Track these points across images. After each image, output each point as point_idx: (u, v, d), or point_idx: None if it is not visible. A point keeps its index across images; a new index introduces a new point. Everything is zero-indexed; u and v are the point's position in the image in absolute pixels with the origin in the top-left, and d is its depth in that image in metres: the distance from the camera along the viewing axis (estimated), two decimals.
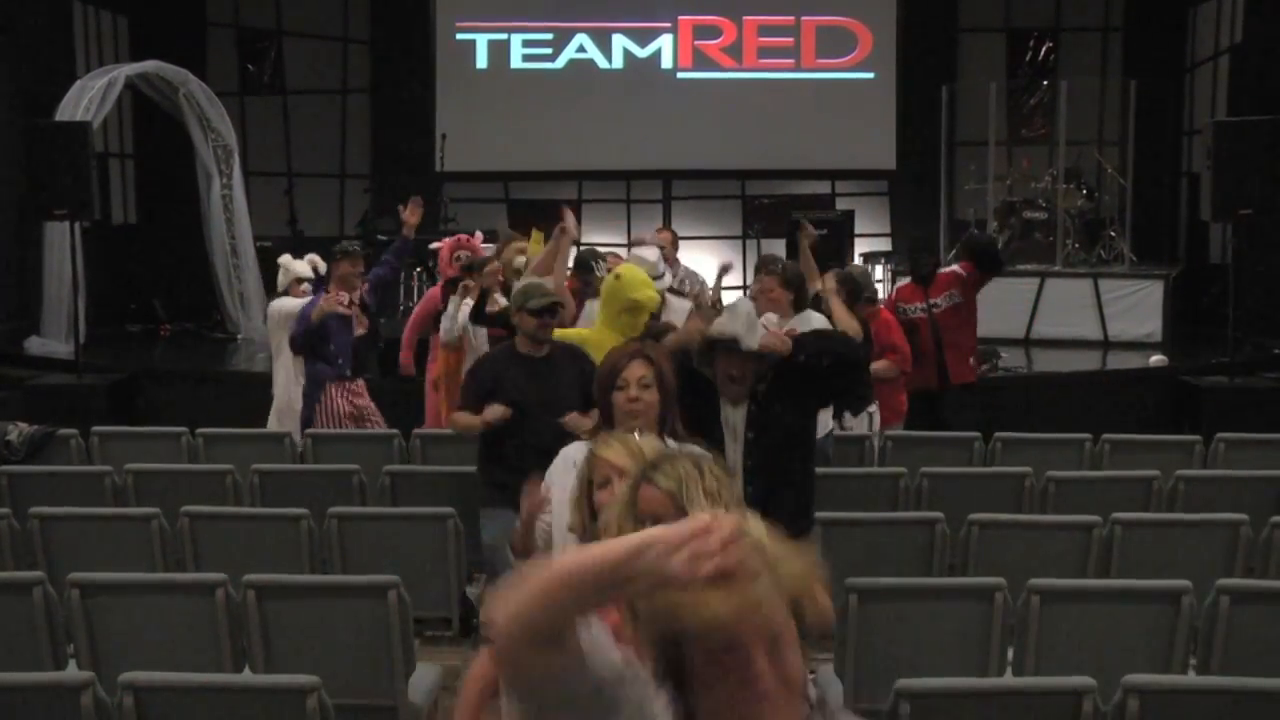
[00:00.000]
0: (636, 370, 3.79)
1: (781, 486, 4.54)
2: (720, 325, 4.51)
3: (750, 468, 4.50)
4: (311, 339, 7.21)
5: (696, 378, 4.53)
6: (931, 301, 7.98)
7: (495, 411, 5.35)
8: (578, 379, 5.33)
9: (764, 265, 6.87)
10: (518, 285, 5.87)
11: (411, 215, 7.88)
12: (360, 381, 7.49)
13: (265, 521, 5.39)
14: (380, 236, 12.54)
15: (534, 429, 5.18)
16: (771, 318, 5.82)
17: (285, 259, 8.18)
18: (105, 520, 5.42)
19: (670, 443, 3.65)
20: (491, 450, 5.47)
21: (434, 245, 7.80)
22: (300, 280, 7.92)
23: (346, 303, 7.26)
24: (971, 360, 8.10)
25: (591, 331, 6.14)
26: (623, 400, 3.78)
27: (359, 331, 7.42)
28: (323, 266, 7.86)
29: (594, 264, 7.30)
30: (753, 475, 4.49)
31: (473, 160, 14.31)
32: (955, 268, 8.26)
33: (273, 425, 7.72)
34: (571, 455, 3.69)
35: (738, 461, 4.48)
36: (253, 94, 14.94)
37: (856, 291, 7.34)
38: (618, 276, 5.99)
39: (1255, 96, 11.67)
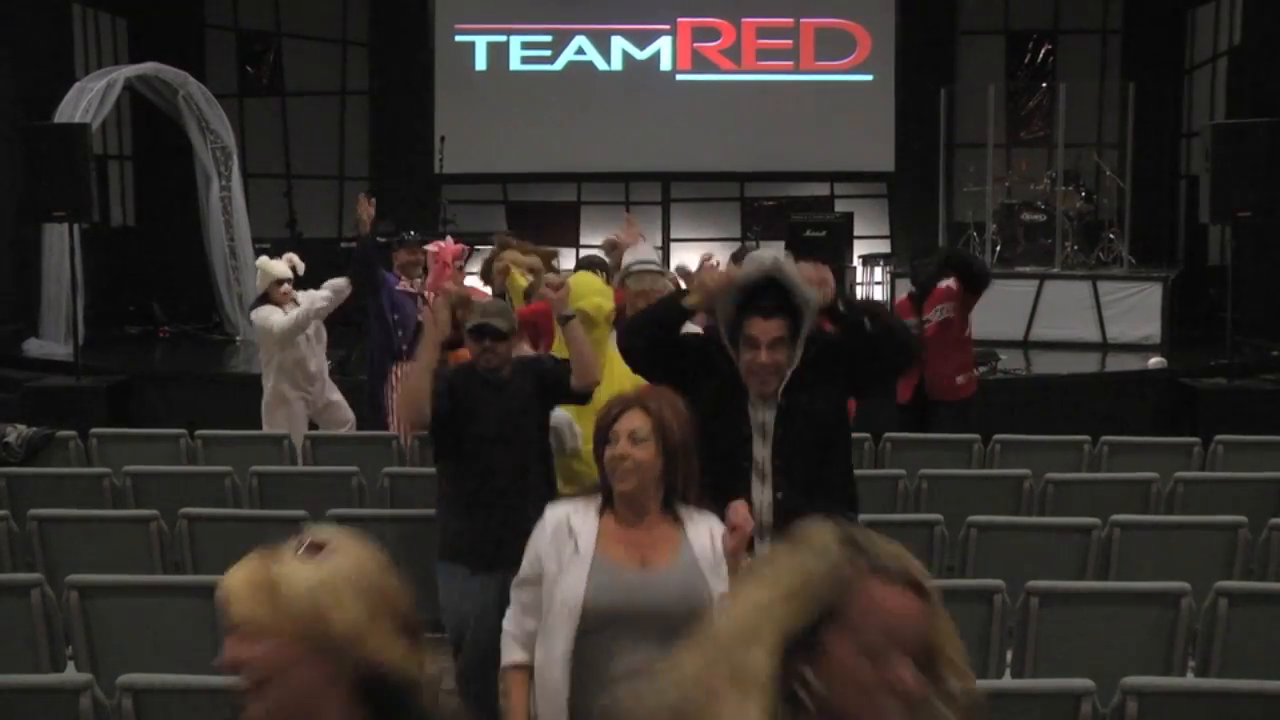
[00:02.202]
0: (630, 421, 3.17)
1: (816, 493, 3.83)
2: (747, 266, 3.90)
3: (779, 468, 3.88)
4: (368, 271, 7.49)
5: (718, 360, 3.92)
6: (925, 317, 7.65)
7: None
8: (535, 392, 4.77)
9: (740, 258, 6.61)
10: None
11: (362, 209, 7.68)
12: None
13: (264, 524, 5.37)
14: (379, 238, 12.54)
15: (492, 467, 4.63)
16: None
17: (263, 260, 7.95)
18: (104, 522, 5.41)
19: (683, 513, 3.19)
20: (448, 487, 4.76)
21: (431, 248, 7.74)
22: (280, 282, 7.80)
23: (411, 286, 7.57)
24: (960, 379, 7.66)
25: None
26: (611, 457, 3.18)
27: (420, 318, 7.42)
28: (301, 266, 7.81)
29: (595, 272, 6.70)
30: (782, 479, 3.88)
31: (472, 162, 14.32)
32: (949, 282, 7.82)
33: (265, 421, 7.79)
34: (562, 519, 3.22)
35: (766, 464, 3.88)
36: (251, 96, 14.96)
37: None
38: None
39: (1254, 99, 11.68)
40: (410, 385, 4.81)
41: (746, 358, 3.83)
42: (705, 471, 3.31)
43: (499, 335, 4.67)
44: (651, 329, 4.03)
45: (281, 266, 7.77)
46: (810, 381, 3.89)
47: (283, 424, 7.62)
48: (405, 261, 7.69)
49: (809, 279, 3.81)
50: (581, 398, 4.84)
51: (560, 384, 4.80)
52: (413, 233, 8.21)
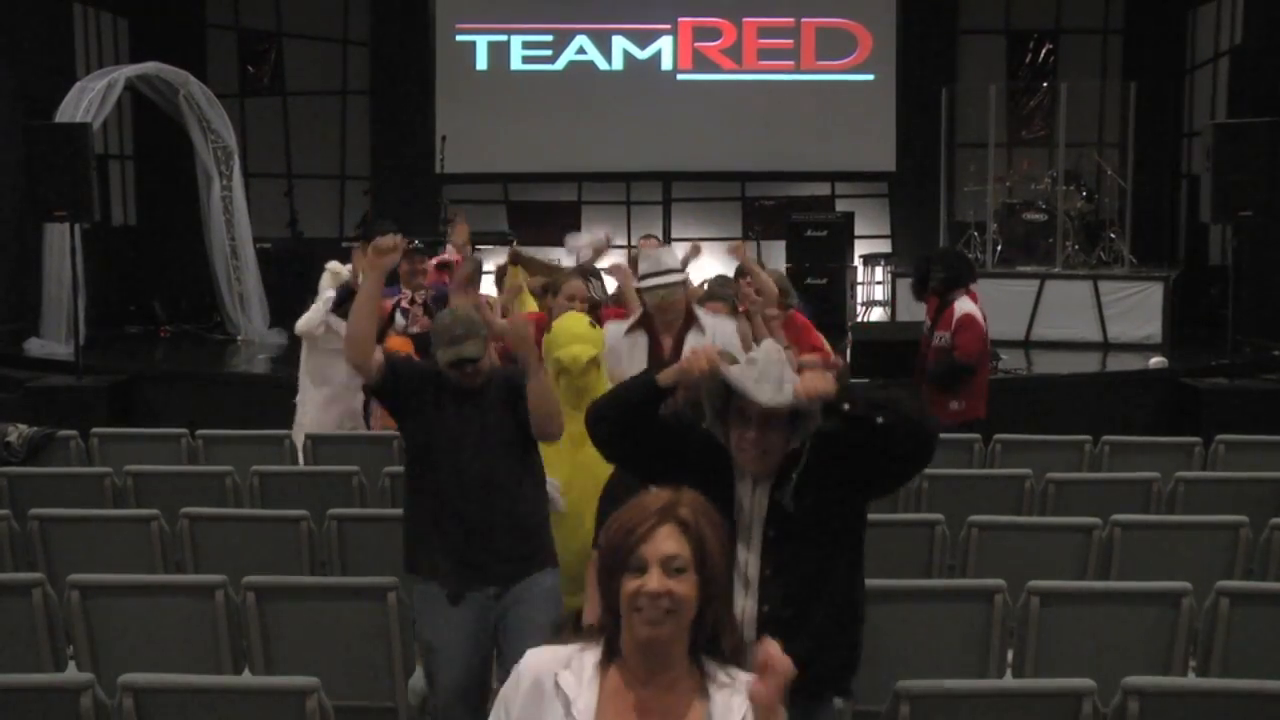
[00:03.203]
0: (663, 544, 2.35)
1: (812, 607, 3.23)
2: (740, 374, 3.20)
3: (769, 578, 3.21)
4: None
5: (702, 435, 3.31)
6: (937, 334, 7.52)
7: (385, 242, 4.48)
8: (510, 405, 4.27)
9: (714, 292, 6.14)
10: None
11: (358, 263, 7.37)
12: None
13: (265, 523, 5.38)
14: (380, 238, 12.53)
15: (462, 478, 4.20)
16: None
17: (334, 265, 7.84)
18: (105, 522, 5.42)
19: (711, 670, 2.39)
20: (412, 500, 4.37)
21: (449, 256, 7.68)
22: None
23: (409, 299, 7.44)
24: (954, 405, 7.44)
25: None
26: (637, 593, 2.32)
27: (414, 329, 7.38)
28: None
29: (587, 284, 6.17)
30: (771, 590, 3.19)
31: (472, 162, 14.32)
32: (964, 312, 7.48)
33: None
34: (545, 675, 2.41)
35: (753, 569, 3.22)
36: (253, 95, 14.96)
37: (788, 301, 6.63)
38: (548, 329, 5.01)
39: (1255, 98, 11.67)
40: (350, 329, 4.37)
41: (736, 434, 3.24)
42: None
43: (474, 361, 4.22)
44: (620, 412, 3.36)
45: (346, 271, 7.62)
46: (817, 473, 3.22)
47: (310, 426, 7.48)
48: (407, 271, 7.45)
49: (815, 391, 3.13)
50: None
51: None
52: (416, 241, 8.09)
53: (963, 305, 7.47)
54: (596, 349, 4.85)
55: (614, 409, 3.38)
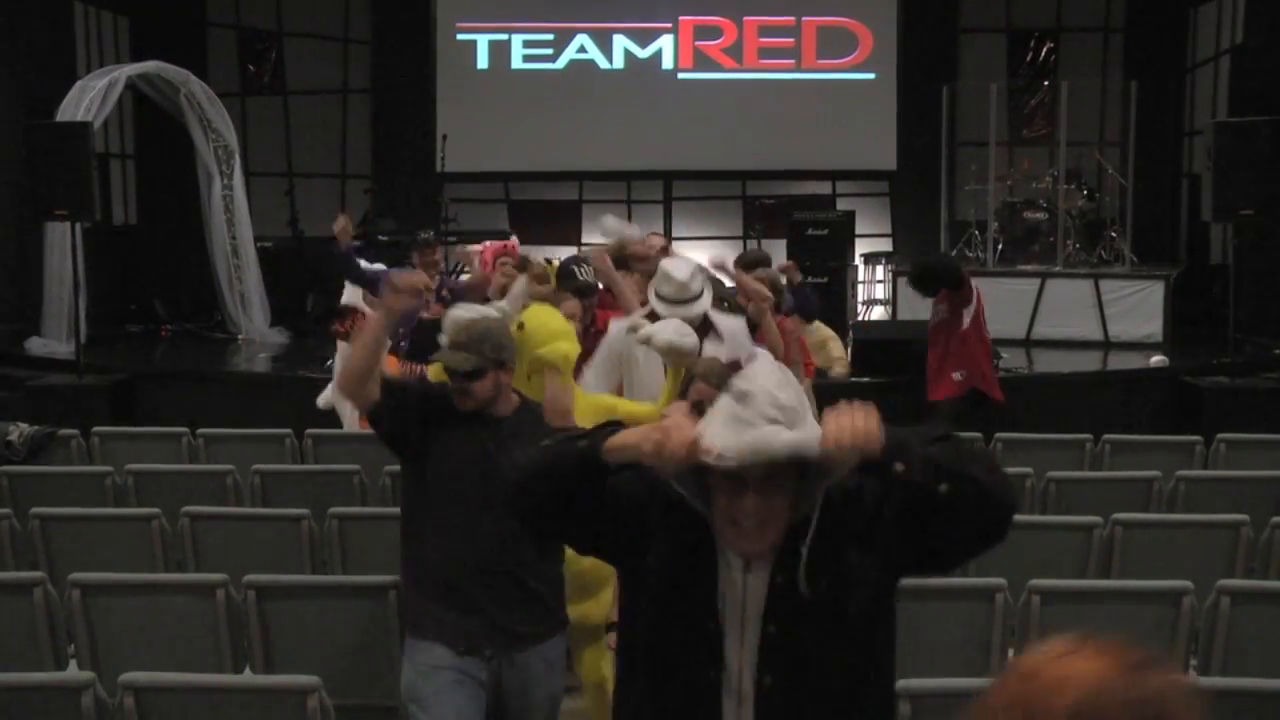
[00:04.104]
0: None
1: None
2: (716, 460, 2.26)
3: (770, 690, 2.37)
4: (350, 272, 7.44)
5: (670, 510, 2.41)
6: (937, 308, 7.94)
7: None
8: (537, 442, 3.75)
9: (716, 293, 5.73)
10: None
11: (340, 228, 7.67)
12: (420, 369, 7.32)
13: (266, 522, 5.39)
14: (381, 237, 12.56)
15: (465, 533, 3.67)
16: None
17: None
18: (106, 520, 5.42)
19: None
20: (407, 550, 3.86)
21: (474, 248, 7.69)
22: None
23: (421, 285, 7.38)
24: (957, 375, 7.83)
25: None
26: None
27: (425, 314, 7.35)
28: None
29: (577, 270, 5.79)
30: (773, 705, 2.37)
31: (473, 161, 14.32)
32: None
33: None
34: None
35: (747, 679, 2.38)
36: (253, 94, 14.96)
37: (781, 301, 6.54)
38: (521, 326, 4.44)
39: (1256, 97, 11.67)
40: (346, 366, 3.91)
41: (723, 501, 2.33)
42: (650, 690, 2.38)
43: (467, 375, 3.69)
44: (550, 486, 2.43)
45: None
46: (831, 547, 2.35)
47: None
48: (420, 264, 7.47)
49: (841, 437, 2.21)
50: None
51: None
52: (432, 233, 8.09)
53: None
54: (575, 345, 4.61)
55: (541, 481, 2.44)
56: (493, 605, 3.66)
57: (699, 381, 4.05)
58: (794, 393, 2.31)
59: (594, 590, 4.41)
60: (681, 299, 5.02)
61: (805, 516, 2.33)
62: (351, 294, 7.81)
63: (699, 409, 3.73)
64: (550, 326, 4.51)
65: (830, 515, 2.34)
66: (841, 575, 2.35)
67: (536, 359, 4.37)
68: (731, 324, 5.29)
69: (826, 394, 8.04)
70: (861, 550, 2.36)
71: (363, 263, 7.61)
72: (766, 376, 2.33)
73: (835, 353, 8.21)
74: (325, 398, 7.81)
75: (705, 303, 5.10)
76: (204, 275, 12.43)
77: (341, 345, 7.62)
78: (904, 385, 8.61)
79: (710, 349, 4.95)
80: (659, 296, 5.10)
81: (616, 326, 5.18)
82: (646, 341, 4.61)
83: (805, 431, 2.25)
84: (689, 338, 4.63)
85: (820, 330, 8.28)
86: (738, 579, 2.39)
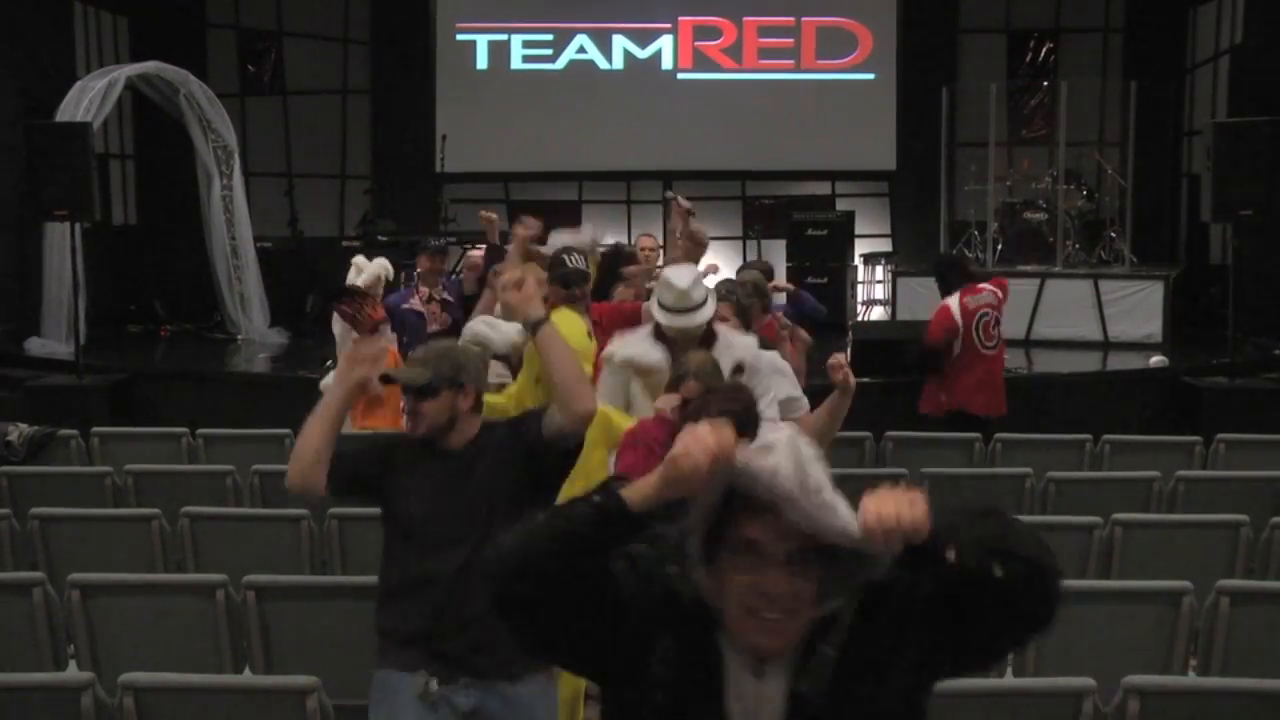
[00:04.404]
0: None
1: None
2: (758, 472, 1.88)
3: None
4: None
5: (670, 597, 1.98)
6: (989, 344, 8.04)
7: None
8: (511, 461, 3.39)
9: (719, 293, 5.38)
10: None
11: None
12: None
13: (265, 522, 5.39)
14: (380, 237, 12.55)
15: (426, 579, 3.36)
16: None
17: (359, 260, 7.37)
18: (105, 521, 5.42)
19: None
20: (382, 583, 3.54)
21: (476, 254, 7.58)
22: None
23: (425, 298, 7.38)
24: (943, 396, 7.88)
25: (505, 399, 4.61)
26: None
27: (434, 327, 7.34)
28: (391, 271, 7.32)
29: (566, 258, 5.36)
30: None
31: (473, 161, 14.32)
32: (944, 303, 8.01)
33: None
34: None
35: None
36: (253, 95, 14.95)
37: (766, 303, 6.41)
38: None
39: (1255, 97, 11.67)
40: (301, 446, 3.51)
41: (740, 580, 1.93)
42: None
43: (418, 392, 3.42)
44: (558, 563, 1.91)
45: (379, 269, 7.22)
46: (864, 644, 2.00)
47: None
48: (427, 269, 7.45)
49: (887, 523, 1.88)
50: (568, 450, 3.41)
51: (538, 436, 3.36)
52: (442, 240, 8.03)
53: (946, 301, 8.03)
54: (589, 360, 4.29)
55: (545, 557, 1.90)
56: (465, 633, 3.32)
57: (690, 379, 3.96)
58: (815, 465, 1.93)
59: None
60: (683, 307, 4.80)
61: (829, 614, 1.95)
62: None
63: (689, 405, 3.74)
64: (569, 326, 4.23)
65: (856, 611, 1.98)
66: (872, 682, 1.99)
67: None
68: (741, 343, 4.97)
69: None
70: (894, 652, 2.00)
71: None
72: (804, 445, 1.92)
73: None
74: (328, 383, 7.54)
75: (708, 311, 4.87)
76: (204, 275, 12.42)
77: (339, 328, 7.23)
78: (903, 386, 8.61)
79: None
80: (660, 305, 4.87)
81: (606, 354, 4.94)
82: (609, 360, 4.61)
83: (845, 515, 1.90)
84: (651, 355, 4.55)
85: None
86: (748, 688, 1.97)
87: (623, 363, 4.60)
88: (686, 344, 4.74)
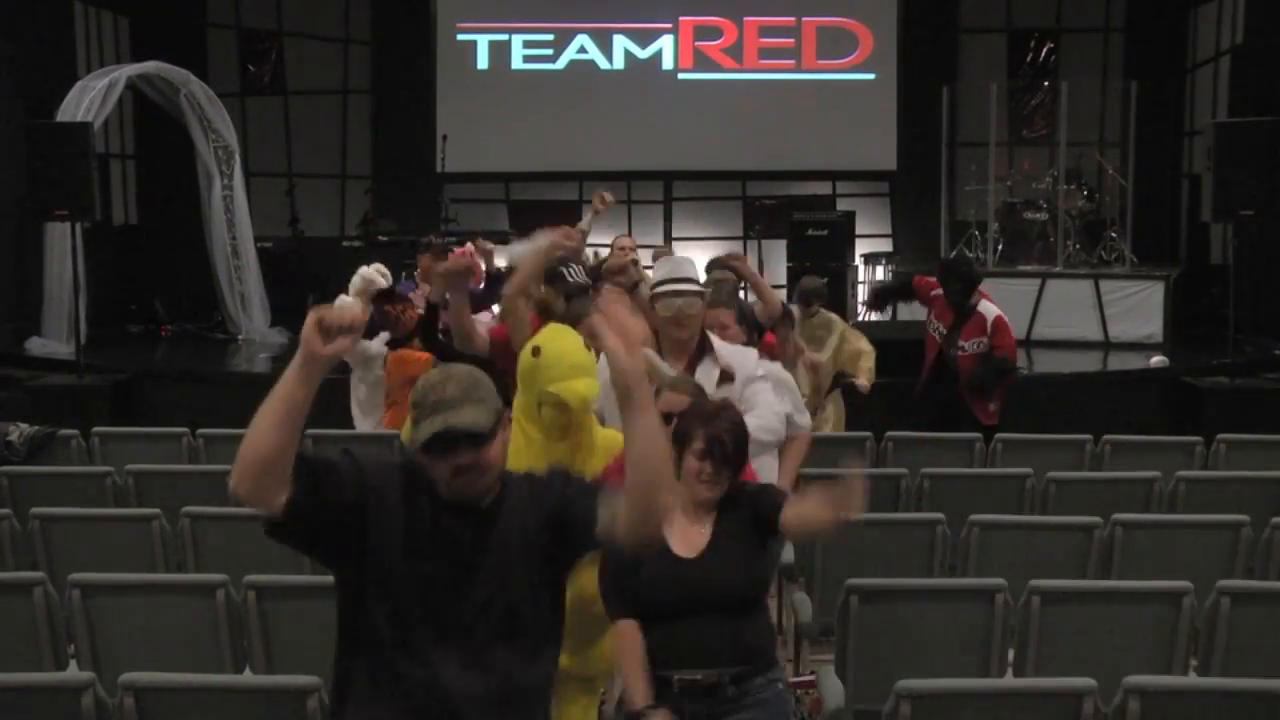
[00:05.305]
0: None
1: None
2: None
3: None
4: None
5: None
6: (960, 344, 7.71)
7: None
8: (540, 529, 2.68)
9: (717, 299, 5.29)
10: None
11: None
12: None
13: None
14: (381, 237, 12.57)
15: (438, 673, 2.61)
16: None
17: (366, 271, 7.10)
18: (106, 521, 5.41)
19: None
20: (348, 677, 2.72)
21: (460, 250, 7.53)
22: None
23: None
24: (992, 407, 7.73)
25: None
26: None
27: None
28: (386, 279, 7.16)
29: (566, 272, 5.22)
30: None
31: (473, 161, 14.32)
32: (995, 312, 7.78)
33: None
34: None
35: None
36: (254, 95, 14.96)
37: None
38: (536, 351, 3.79)
39: (1256, 97, 11.67)
40: (253, 439, 2.50)
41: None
42: None
43: (477, 438, 2.60)
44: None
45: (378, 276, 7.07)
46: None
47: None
48: (426, 267, 7.27)
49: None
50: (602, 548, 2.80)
51: (582, 522, 2.67)
52: (448, 239, 7.96)
53: (989, 309, 7.73)
54: (595, 384, 3.79)
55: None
56: None
57: (667, 392, 3.85)
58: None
59: (596, 637, 3.80)
60: (679, 276, 4.64)
61: None
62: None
63: (667, 420, 3.66)
64: (571, 359, 3.75)
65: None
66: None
67: (548, 394, 3.73)
68: (739, 355, 4.73)
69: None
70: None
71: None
72: None
73: (865, 364, 8.17)
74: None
75: (701, 290, 4.71)
76: (204, 275, 12.43)
77: (373, 343, 6.89)
78: (903, 386, 8.61)
79: (703, 373, 4.51)
80: (656, 283, 4.72)
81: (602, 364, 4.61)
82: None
83: None
84: (665, 364, 4.31)
85: (858, 341, 8.24)
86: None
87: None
88: (680, 341, 4.54)
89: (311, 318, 2.49)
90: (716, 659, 3.39)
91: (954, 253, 12.76)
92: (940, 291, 7.87)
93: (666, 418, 3.60)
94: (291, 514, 2.52)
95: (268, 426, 2.49)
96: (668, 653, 3.40)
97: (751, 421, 4.02)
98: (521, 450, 3.78)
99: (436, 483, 2.63)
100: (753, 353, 4.88)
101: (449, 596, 2.62)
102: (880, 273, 14.01)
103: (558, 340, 3.84)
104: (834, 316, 7.93)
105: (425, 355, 6.31)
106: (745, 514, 3.54)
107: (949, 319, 7.81)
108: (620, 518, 2.59)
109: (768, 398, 4.59)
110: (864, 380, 8.02)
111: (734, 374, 4.51)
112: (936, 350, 7.90)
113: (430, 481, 2.64)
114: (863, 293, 13.99)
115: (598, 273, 6.34)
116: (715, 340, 4.73)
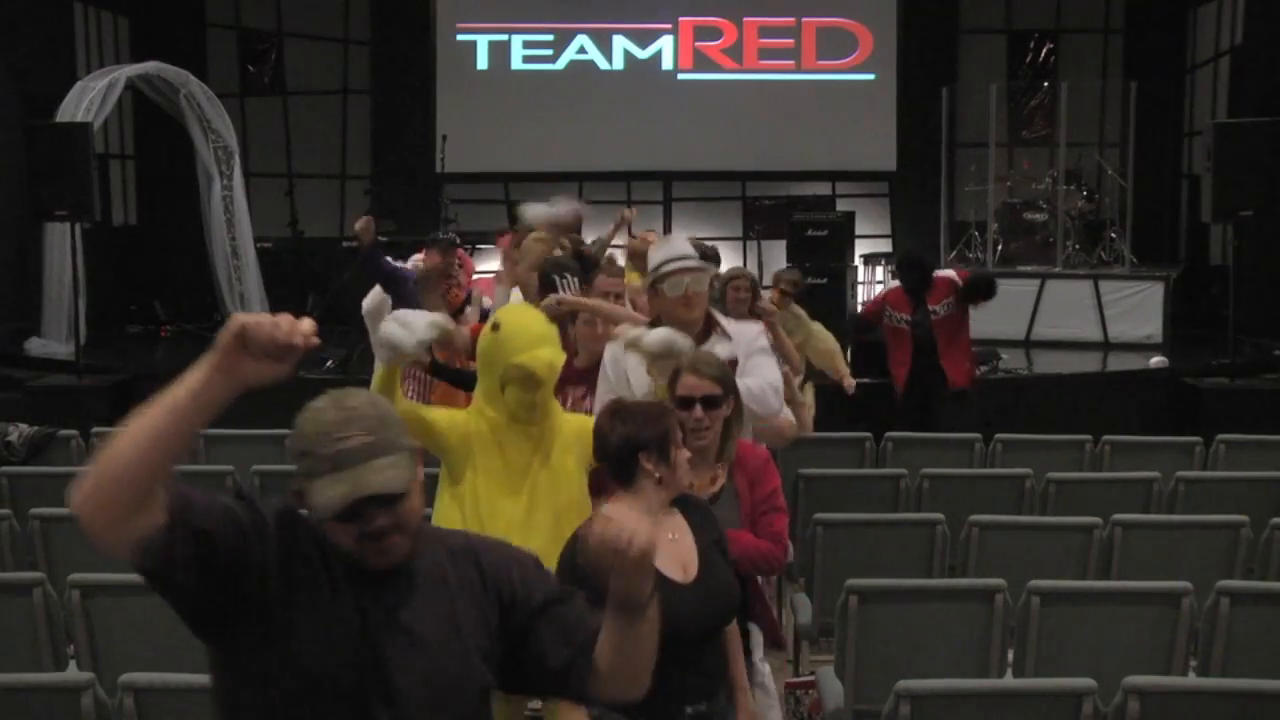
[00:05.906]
0: None
1: None
2: None
3: None
4: (375, 272, 7.03)
5: None
6: (931, 309, 8.00)
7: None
8: (481, 601, 2.20)
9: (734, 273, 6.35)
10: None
11: (363, 230, 7.40)
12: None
13: None
14: (380, 238, 12.52)
15: None
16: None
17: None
18: None
19: None
20: None
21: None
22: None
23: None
24: (968, 364, 8.13)
25: (461, 414, 3.93)
26: None
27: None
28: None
29: (559, 280, 5.08)
30: None
31: (473, 161, 14.32)
32: (950, 273, 8.29)
33: None
34: None
35: None
36: (253, 95, 14.96)
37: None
38: (496, 326, 3.86)
39: (1255, 98, 11.68)
40: (114, 458, 2.09)
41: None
42: None
43: (389, 504, 2.12)
44: None
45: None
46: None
47: None
48: (435, 265, 7.22)
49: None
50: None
51: (558, 636, 2.21)
52: (456, 236, 7.95)
53: (940, 274, 8.21)
54: (559, 352, 3.82)
55: None
56: None
57: (686, 375, 3.67)
58: None
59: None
60: (682, 254, 4.41)
61: None
62: (374, 299, 7.01)
63: (685, 404, 3.66)
64: (531, 330, 3.78)
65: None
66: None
67: (512, 368, 3.70)
68: (746, 332, 4.59)
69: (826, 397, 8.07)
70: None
71: (391, 260, 7.26)
72: None
73: (839, 364, 8.18)
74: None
75: (705, 265, 4.56)
76: (204, 275, 12.43)
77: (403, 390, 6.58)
78: (878, 387, 8.64)
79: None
80: (656, 266, 4.46)
81: (610, 349, 4.43)
82: (636, 345, 4.01)
83: None
84: (683, 338, 4.05)
85: (827, 340, 8.24)
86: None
87: (659, 346, 3.95)
88: (686, 321, 4.31)
89: (234, 324, 2.05)
90: (688, 697, 3.04)
91: (953, 254, 12.76)
92: (881, 295, 8.22)
93: (685, 401, 3.59)
94: (150, 552, 1.97)
95: (138, 434, 2.06)
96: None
97: (743, 383, 3.95)
98: (487, 441, 3.77)
99: (335, 546, 2.13)
100: (757, 326, 4.75)
101: (363, 676, 2.09)
102: (880, 273, 14.01)
103: (517, 314, 3.96)
104: (802, 312, 7.90)
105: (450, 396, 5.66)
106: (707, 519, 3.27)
107: (908, 304, 8.08)
108: (599, 676, 2.16)
109: (768, 372, 4.36)
110: (850, 380, 8.02)
111: (736, 363, 4.28)
112: (906, 340, 8.01)
113: (324, 539, 2.14)
114: (862, 294, 14.00)
115: (595, 261, 6.39)
116: (719, 316, 4.57)
